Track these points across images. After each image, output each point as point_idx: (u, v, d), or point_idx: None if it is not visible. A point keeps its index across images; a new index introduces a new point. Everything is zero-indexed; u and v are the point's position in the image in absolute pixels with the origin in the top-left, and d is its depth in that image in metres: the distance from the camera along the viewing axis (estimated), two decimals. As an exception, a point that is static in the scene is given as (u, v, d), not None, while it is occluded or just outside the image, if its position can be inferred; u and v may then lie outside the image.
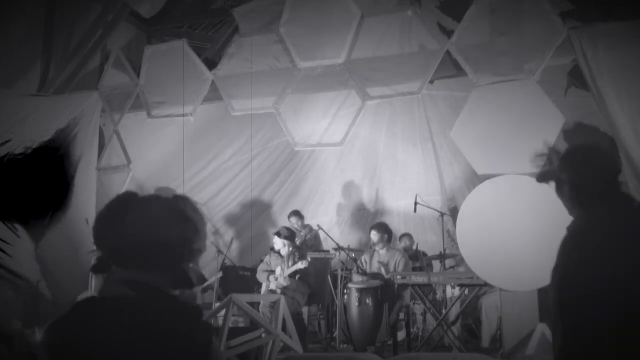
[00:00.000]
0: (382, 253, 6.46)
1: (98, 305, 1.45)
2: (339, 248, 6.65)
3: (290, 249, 6.72)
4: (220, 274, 6.80)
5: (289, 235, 6.79)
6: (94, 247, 1.48)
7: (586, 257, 1.92)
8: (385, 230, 6.51)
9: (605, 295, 1.85)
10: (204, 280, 7.10)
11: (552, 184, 2.14)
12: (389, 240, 6.54)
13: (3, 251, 5.80)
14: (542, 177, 2.17)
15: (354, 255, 6.70)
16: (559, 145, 2.72)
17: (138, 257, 1.44)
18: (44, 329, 1.42)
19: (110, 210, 1.50)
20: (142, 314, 1.40)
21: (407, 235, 7.48)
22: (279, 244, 6.78)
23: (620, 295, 1.85)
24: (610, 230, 1.95)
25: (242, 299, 5.15)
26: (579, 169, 2.07)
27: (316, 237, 7.77)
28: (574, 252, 1.96)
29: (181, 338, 1.38)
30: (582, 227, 2.01)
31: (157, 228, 1.47)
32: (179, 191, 7.93)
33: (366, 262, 6.51)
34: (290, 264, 6.57)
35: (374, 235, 6.48)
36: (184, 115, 6.26)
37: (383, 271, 6.27)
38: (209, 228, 8.20)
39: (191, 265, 1.54)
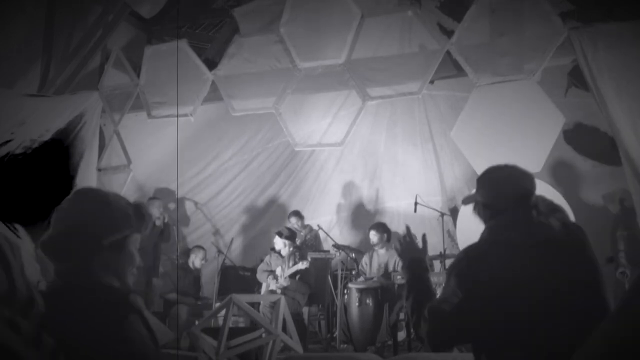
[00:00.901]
0: (381, 253, 6.46)
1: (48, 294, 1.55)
2: (339, 248, 6.65)
3: (291, 249, 6.72)
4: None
5: (290, 235, 6.80)
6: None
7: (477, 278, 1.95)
8: (384, 230, 6.52)
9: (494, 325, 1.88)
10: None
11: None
12: (388, 239, 6.55)
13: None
14: (466, 200, 2.28)
15: (354, 255, 6.71)
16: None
17: (62, 251, 1.58)
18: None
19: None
20: (65, 302, 1.48)
21: (408, 236, 7.47)
22: (279, 243, 6.78)
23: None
24: (501, 252, 1.97)
25: (242, 299, 5.15)
26: (484, 190, 2.16)
27: (316, 237, 7.78)
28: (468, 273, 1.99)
29: (98, 320, 1.46)
30: (477, 250, 2.06)
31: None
32: (179, 192, 7.94)
33: (367, 264, 6.51)
34: (290, 264, 6.58)
35: (373, 236, 6.48)
36: (177, 116, 6.26)
37: (381, 271, 6.28)
38: (209, 228, 8.20)
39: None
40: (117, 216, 1.63)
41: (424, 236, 2.37)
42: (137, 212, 1.68)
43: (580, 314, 1.87)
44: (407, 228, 2.42)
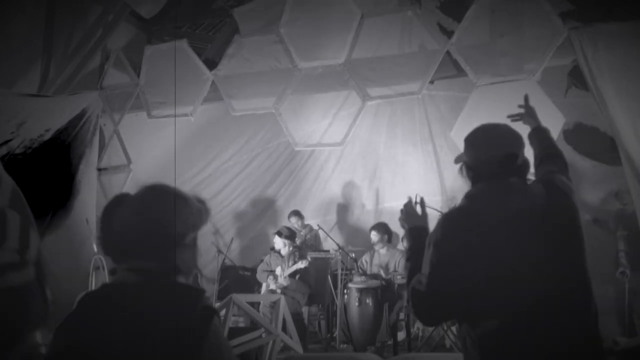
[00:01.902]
0: (382, 253, 6.47)
1: (101, 295, 1.49)
2: (339, 248, 6.65)
3: (290, 248, 6.72)
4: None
5: (290, 234, 6.80)
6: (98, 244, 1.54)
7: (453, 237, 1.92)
8: (384, 230, 6.52)
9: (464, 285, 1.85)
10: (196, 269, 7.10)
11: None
12: (389, 240, 6.55)
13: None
14: (457, 159, 2.19)
15: (353, 255, 6.71)
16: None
17: (138, 247, 1.50)
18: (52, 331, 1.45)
19: (113, 204, 1.56)
20: (145, 298, 1.45)
21: (409, 236, 7.47)
22: (279, 243, 6.78)
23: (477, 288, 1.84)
24: (474, 224, 1.91)
25: (242, 298, 5.15)
26: (469, 149, 2.10)
27: (316, 237, 7.78)
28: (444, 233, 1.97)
29: (178, 318, 1.41)
30: (452, 219, 2.01)
31: (161, 224, 1.53)
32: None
33: (366, 262, 6.51)
34: (290, 263, 6.58)
35: (374, 236, 6.49)
36: (175, 116, 6.26)
37: (382, 273, 6.28)
38: (209, 228, 8.20)
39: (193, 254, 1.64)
40: (194, 213, 1.63)
41: (422, 200, 2.33)
42: (205, 207, 1.68)
43: (557, 289, 1.83)
44: (409, 198, 2.37)
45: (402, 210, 2.31)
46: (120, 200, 1.56)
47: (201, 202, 1.68)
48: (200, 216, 1.64)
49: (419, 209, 2.29)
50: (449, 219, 2.01)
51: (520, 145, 2.07)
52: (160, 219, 1.54)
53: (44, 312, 0.71)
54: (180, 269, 1.55)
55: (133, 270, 1.49)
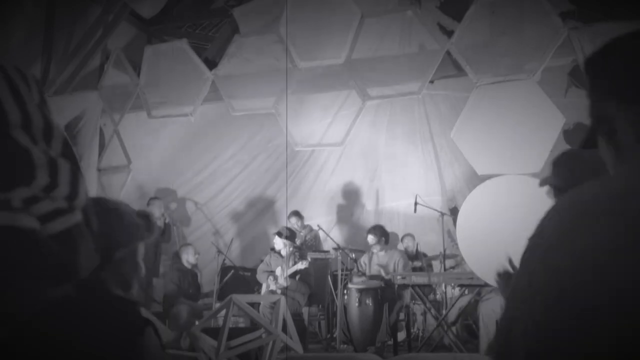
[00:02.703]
0: (380, 255, 6.46)
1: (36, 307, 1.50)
2: (339, 248, 6.65)
3: (291, 248, 6.72)
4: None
5: (290, 235, 6.79)
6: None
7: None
8: (381, 233, 6.50)
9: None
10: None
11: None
12: (386, 242, 6.55)
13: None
14: (541, 183, 2.15)
15: (353, 255, 6.70)
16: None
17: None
18: None
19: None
20: (79, 312, 1.45)
21: (409, 236, 7.47)
22: (279, 243, 6.78)
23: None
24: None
25: (242, 299, 5.15)
26: (562, 173, 2.06)
27: (316, 237, 7.77)
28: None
29: (111, 330, 1.42)
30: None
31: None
32: (179, 192, 7.94)
33: (365, 264, 6.51)
34: (290, 264, 6.58)
35: (371, 239, 6.47)
36: (173, 116, 6.26)
37: (382, 272, 6.27)
38: (209, 228, 8.20)
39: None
40: (129, 228, 1.61)
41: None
42: (147, 222, 1.66)
43: None
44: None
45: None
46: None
47: (143, 216, 1.66)
48: (137, 231, 1.62)
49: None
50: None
51: None
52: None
53: (94, 255, 0.74)
54: (112, 283, 1.54)
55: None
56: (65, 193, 0.75)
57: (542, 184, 2.13)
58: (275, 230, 7.07)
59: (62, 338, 1.38)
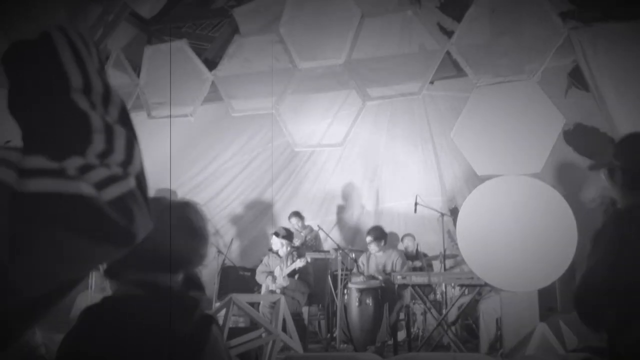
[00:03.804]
0: (378, 255, 6.47)
1: (103, 308, 1.49)
2: (339, 248, 6.65)
3: (288, 248, 6.72)
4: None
5: (287, 234, 6.80)
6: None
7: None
8: (379, 233, 6.51)
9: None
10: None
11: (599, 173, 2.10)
12: (385, 243, 6.55)
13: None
14: (593, 167, 2.12)
15: (353, 255, 6.71)
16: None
17: (150, 262, 1.49)
18: (61, 339, 1.45)
19: None
20: (146, 310, 1.45)
21: (409, 236, 7.49)
22: (277, 243, 6.78)
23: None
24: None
25: (242, 298, 5.15)
26: (627, 152, 2.02)
27: (316, 238, 7.78)
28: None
29: (177, 328, 1.42)
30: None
31: (168, 238, 1.52)
32: (179, 192, 7.93)
33: (363, 265, 6.51)
34: (288, 263, 6.58)
35: (370, 241, 6.48)
36: (170, 116, 6.25)
37: (380, 276, 6.27)
38: (209, 228, 8.20)
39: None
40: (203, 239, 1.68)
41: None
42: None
43: None
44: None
45: None
46: None
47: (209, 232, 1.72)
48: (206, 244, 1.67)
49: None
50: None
51: None
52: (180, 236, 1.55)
53: (148, 221, 0.75)
54: (192, 286, 1.57)
55: (137, 283, 1.50)
56: (121, 159, 0.76)
57: (595, 167, 2.10)
58: (273, 231, 7.08)
59: (134, 333, 1.39)
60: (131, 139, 0.80)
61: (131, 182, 0.75)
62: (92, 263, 0.77)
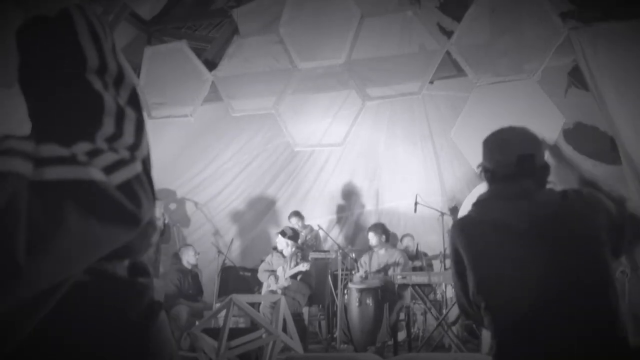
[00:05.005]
0: (380, 253, 6.46)
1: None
2: (339, 248, 6.65)
3: (293, 249, 6.72)
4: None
5: (293, 235, 6.79)
6: None
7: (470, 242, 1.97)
8: (382, 231, 6.51)
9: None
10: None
11: None
12: (387, 240, 6.55)
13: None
14: (479, 165, 2.13)
15: (354, 255, 6.71)
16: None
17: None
18: None
19: None
20: (95, 297, 1.42)
21: (409, 236, 7.49)
22: (282, 243, 6.77)
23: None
24: (490, 213, 1.96)
25: (242, 299, 5.15)
26: (485, 152, 2.06)
27: (316, 237, 7.78)
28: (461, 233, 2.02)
29: (124, 313, 1.40)
30: (462, 231, 2.03)
31: None
32: (178, 192, 7.94)
33: (365, 263, 6.51)
34: (292, 264, 6.58)
35: (372, 237, 6.48)
36: (173, 117, 6.25)
37: (381, 275, 6.27)
38: (209, 228, 8.20)
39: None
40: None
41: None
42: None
43: (568, 290, 1.81)
44: None
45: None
46: None
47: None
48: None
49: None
50: (456, 230, 2.04)
51: (538, 147, 2.00)
52: None
53: (152, 206, 0.75)
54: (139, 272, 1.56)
55: (84, 270, 1.48)
56: (129, 143, 0.76)
57: (478, 166, 2.12)
58: (278, 230, 7.08)
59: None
60: (141, 123, 0.80)
61: (138, 167, 0.75)
62: (101, 249, 0.76)
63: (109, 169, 0.71)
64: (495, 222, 1.93)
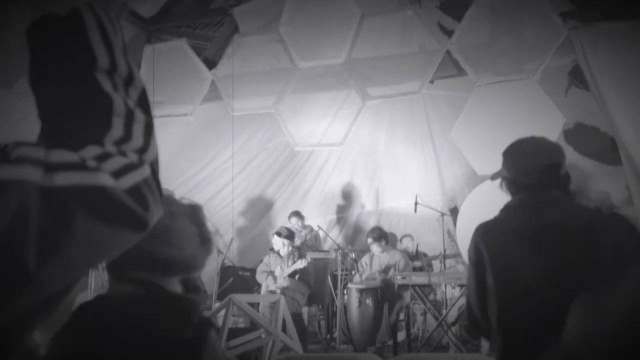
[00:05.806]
0: (381, 256, 6.45)
1: (97, 306, 1.45)
2: (339, 248, 6.64)
3: (290, 248, 6.71)
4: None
5: (288, 234, 6.78)
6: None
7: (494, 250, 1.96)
8: (380, 234, 6.50)
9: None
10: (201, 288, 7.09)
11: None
12: (386, 243, 6.54)
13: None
14: (494, 176, 2.15)
15: (353, 255, 6.70)
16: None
17: (155, 263, 1.46)
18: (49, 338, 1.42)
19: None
20: (143, 310, 1.42)
21: (408, 236, 7.48)
22: (278, 243, 6.76)
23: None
24: (514, 221, 1.95)
25: (242, 299, 5.14)
26: (508, 163, 2.06)
27: (316, 237, 7.77)
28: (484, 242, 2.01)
29: (175, 331, 1.39)
30: (495, 220, 2.03)
31: (181, 241, 1.51)
32: (177, 192, 7.92)
33: (366, 265, 6.50)
34: (289, 263, 6.57)
35: (371, 243, 6.46)
36: (172, 116, 6.24)
37: (379, 275, 6.27)
38: (209, 228, 8.18)
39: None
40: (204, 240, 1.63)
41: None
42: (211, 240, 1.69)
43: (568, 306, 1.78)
44: None
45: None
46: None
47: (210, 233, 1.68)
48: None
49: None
50: (479, 232, 2.04)
51: (561, 155, 2.00)
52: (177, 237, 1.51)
53: (160, 208, 0.75)
54: (191, 289, 1.55)
55: (134, 282, 1.45)
56: (138, 146, 0.75)
57: (494, 177, 2.13)
58: (274, 230, 7.07)
59: (126, 334, 1.36)
60: (149, 125, 0.79)
61: (146, 170, 0.75)
62: (108, 253, 0.76)
63: (118, 173, 0.71)
64: (521, 229, 1.92)
